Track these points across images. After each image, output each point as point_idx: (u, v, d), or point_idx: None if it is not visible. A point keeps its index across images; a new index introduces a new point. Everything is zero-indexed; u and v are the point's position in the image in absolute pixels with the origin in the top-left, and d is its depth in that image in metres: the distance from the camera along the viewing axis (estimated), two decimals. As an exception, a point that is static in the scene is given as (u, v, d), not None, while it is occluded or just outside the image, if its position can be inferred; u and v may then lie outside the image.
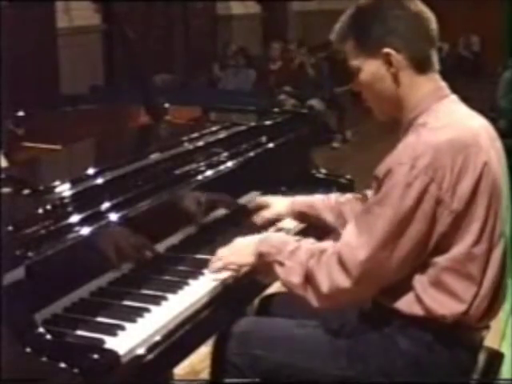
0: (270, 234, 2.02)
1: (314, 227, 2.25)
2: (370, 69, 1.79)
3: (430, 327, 1.74)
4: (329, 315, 1.90)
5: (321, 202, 2.24)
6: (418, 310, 1.72)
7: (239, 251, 1.91)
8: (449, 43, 14.12)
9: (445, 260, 1.70)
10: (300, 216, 2.27)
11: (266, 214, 2.27)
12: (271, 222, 2.28)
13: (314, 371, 1.83)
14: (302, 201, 2.27)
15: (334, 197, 2.25)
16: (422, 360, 1.75)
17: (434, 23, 1.83)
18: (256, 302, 2.26)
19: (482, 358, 1.93)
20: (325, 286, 1.71)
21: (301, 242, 1.83)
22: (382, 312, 1.78)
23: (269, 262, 1.83)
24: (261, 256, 1.85)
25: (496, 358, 2.01)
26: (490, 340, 2.01)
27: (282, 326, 1.94)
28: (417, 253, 1.68)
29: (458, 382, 1.80)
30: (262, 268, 1.87)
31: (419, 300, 1.72)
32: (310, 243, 1.84)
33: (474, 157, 1.69)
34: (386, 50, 1.75)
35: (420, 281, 1.72)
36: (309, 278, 1.74)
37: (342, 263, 1.69)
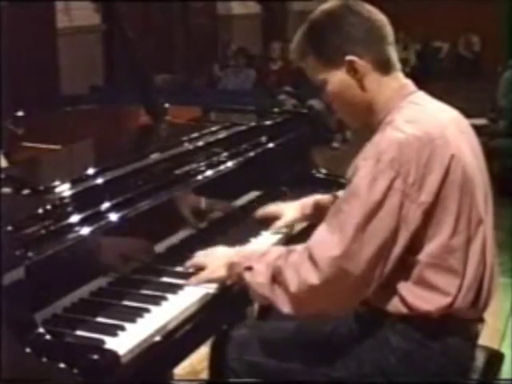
0: (244, 248, 2.01)
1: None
2: (336, 79, 1.80)
3: (418, 324, 1.74)
4: (325, 317, 1.89)
5: (330, 202, 2.21)
6: (403, 309, 1.73)
7: (212, 264, 1.89)
8: (449, 43, 14.16)
9: (424, 256, 1.70)
10: (311, 218, 2.26)
11: (280, 224, 2.23)
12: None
13: (310, 375, 1.83)
14: (311, 203, 2.27)
15: (341, 194, 2.25)
16: (414, 355, 1.76)
17: (387, 24, 1.83)
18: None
19: (481, 358, 1.94)
20: (293, 285, 1.68)
21: (271, 247, 1.85)
22: (373, 312, 1.78)
23: (239, 271, 1.81)
24: (231, 266, 1.84)
25: (496, 357, 2.01)
26: (490, 340, 2.01)
27: (278, 331, 1.94)
28: (385, 251, 1.66)
29: (457, 381, 1.81)
30: (234, 279, 1.85)
31: (403, 300, 1.72)
32: (278, 247, 1.85)
33: (441, 150, 1.69)
34: (349, 57, 1.77)
35: (403, 281, 1.72)
36: (276, 277, 1.72)
37: (312, 261, 1.66)
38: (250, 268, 1.78)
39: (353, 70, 1.78)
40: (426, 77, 12.12)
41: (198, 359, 2.96)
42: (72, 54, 7.70)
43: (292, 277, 1.69)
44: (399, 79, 1.84)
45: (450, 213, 1.70)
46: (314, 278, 1.66)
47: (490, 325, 1.91)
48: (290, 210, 2.25)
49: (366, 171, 1.66)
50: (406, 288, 1.72)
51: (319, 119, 8.09)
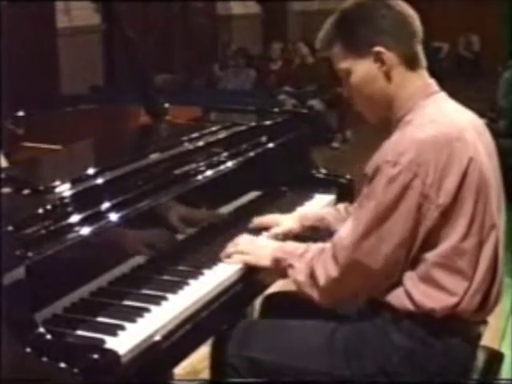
0: (286, 242, 2.05)
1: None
2: (361, 70, 1.81)
3: (422, 321, 1.75)
4: (327, 315, 1.91)
5: (331, 215, 2.23)
6: (408, 305, 1.74)
7: (257, 252, 1.98)
8: (449, 43, 14.16)
9: (434, 256, 1.71)
10: (310, 230, 2.26)
11: (277, 231, 2.23)
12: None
13: (311, 372, 1.84)
14: (311, 216, 2.26)
15: (342, 207, 2.26)
16: (416, 354, 1.76)
17: (417, 20, 1.84)
18: (258, 301, 2.27)
19: (481, 357, 1.94)
20: (321, 279, 1.78)
21: (310, 246, 1.89)
22: (376, 306, 1.79)
23: (283, 266, 1.89)
24: (276, 261, 1.92)
25: (496, 358, 2.01)
26: (490, 340, 2.01)
27: (279, 328, 1.95)
28: (405, 248, 1.71)
29: (457, 381, 1.81)
30: (277, 272, 1.94)
31: (409, 295, 1.73)
32: (317, 246, 1.88)
33: (459, 152, 1.70)
34: (377, 48, 1.78)
35: (410, 276, 1.74)
36: (312, 275, 1.81)
37: (334, 255, 1.76)
38: (291, 265, 1.86)
39: (380, 61, 1.78)
40: (426, 77, 12.14)
41: (198, 359, 2.96)
42: (72, 54, 7.70)
43: (321, 273, 1.78)
44: (424, 77, 1.85)
45: (465, 215, 1.71)
46: (334, 271, 1.75)
47: (490, 325, 1.91)
48: (287, 220, 2.24)
49: (386, 173, 1.68)
50: (413, 284, 1.73)
51: (319, 119, 8.10)
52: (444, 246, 1.71)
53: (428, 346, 1.76)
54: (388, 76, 1.79)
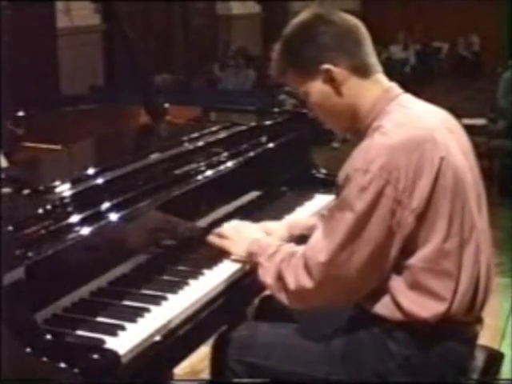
0: (263, 237, 2.03)
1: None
2: (316, 90, 1.81)
3: (415, 330, 1.73)
4: (323, 319, 1.91)
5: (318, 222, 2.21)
6: (398, 315, 1.72)
7: (236, 239, 2.00)
8: (449, 43, 14.16)
9: (418, 261, 1.70)
10: (299, 239, 2.20)
11: None
12: None
13: (309, 377, 1.84)
14: (299, 225, 2.23)
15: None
16: (413, 360, 1.75)
17: (361, 28, 1.83)
18: (256, 302, 2.26)
19: (481, 358, 1.94)
20: (292, 286, 1.77)
21: (281, 246, 1.88)
22: (367, 317, 1.78)
23: (254, 261, 1.90)
24: (250, 254, 1.93)
25: (496, 358, 2.01)
26: (490, 340, 2.01)
27: (278, 334, 1.94)
28: (381, 256, 1.68)
29: (457, 381, 1.81)
30: (250, 264, 1.95)
31: (398, 305, 1.72)
32: (288, 247, 1.88)
33: (430, 153, 1.68)
34: (325, 66, 1.77)
35: (397, 285, 1.72)
36: (279, 279, 1.80)
37: (306, 265, 1.74)
38: (261, 264, 1.87)
39: (330, 78, 1.78)
40: (426, 77, 12.15)
41: (198, 359, 2.97)
42: (72, 54, 7.70)
43: (291, 280, 1.77)
44: (381, 82, 1.83)
45: (443, 216, 1.69)
46: (308, 283, 1.73)
47: (490, 325, 1.91)
48: (278, 229, 2.20)
49: (357, 182, 1.66)
50: (401, 293, 1.71)
51: (319, 119, 8.08)
52: (427, 250, 1.69)
53: (424, 352, 1.75)
54: (341, 90, 1.79)
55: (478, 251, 1.76)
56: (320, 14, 1.81)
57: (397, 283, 1.72)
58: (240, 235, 2.02)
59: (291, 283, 1.76)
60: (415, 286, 1.70)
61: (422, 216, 1.67)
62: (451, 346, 1.76)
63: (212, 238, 2.05)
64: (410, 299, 1.71)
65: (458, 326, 1.77)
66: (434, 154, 1.68)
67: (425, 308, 1.70)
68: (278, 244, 1.91)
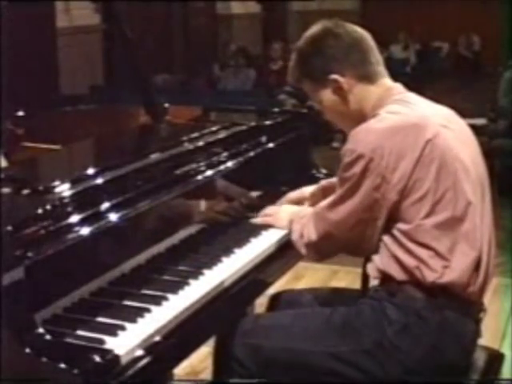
0: (301, 208, 2.28)
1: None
2: (327, 97, 2.00)
3: (416, 294, 1.81)
4: (324, 305, 2.03)
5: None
6: (403, 275, 1.82)
7: (278, 215, 2.26)
8: (449, 43, 14.15)
9: (403, 231, 1.82)
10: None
11: (293, 195, 2.45)
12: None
13: (309, 352, 1.90)
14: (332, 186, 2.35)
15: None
16: (412, 327, 1.80)
17: (367, 38, 2.01)
18: (258, 301, 2.27)
19: (482, 358, 1.94)
20: (307, 238, 2.01)
21: (309, 211, 2.10)
22: (373, 286, 1.90)
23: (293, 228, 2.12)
24: (290, 222, 2.14)
25: (496, 358, 2.02)
26: (490, 340, 2.01)
27: (279, 317, 2.04)
28: (370, 221, 1.85)
29: (457, 381, 1.81)
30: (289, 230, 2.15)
31: (401, 263, 1.82)
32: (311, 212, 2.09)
33: (414, 136, 1.81)
34: (333, 76, 1.96)
35: (398, 245, 1.84)
36: (301, 235, 2.04)
37: (315, 222, 1.99)
38: (293, 227, 2.10)
39: (338, 87, 1.96)
40: (426, 77, 12.14)
41: (198, 359, 2.97)
42: (72, 54, 7.70)
43: (307, 233, 2.01)
44: (385, 84, 2.00)
45: (426, 194, 1.80)
46: (314, 236, 1.99)
47: (490, 325, 1.91)
48: (313, 193, 2.42)
49: (347, 160, 1.84)
50: (402, 251, 1.82)
51: (319, 119, 8.08)
52: (412, 225, 1.81)
53: (423, 320, 1.80)
54: (349, 98, 1.97)
55: (476, 229, 1.84)
56: (328, 28, 2.00)
57: (397, 244, 1.84)
58: (280, 210, 2.28)
59: (307, 236, 2.00)
60: (417, 244, 1.81)
61: (404, 192, 1.80)
62: (450, 316, 1.81)
63: (256, 220, 2.28)
64: (411, 253, 1.81)
65: (459, 299, 1.82)
66: (420, 136, 1.81)
67: (424, 262, 1.80)
68: (308, 209, 2.13)
